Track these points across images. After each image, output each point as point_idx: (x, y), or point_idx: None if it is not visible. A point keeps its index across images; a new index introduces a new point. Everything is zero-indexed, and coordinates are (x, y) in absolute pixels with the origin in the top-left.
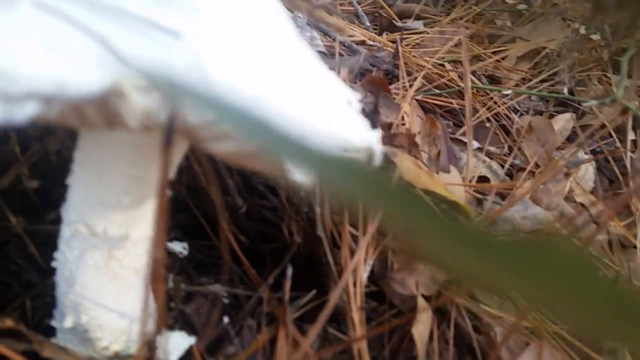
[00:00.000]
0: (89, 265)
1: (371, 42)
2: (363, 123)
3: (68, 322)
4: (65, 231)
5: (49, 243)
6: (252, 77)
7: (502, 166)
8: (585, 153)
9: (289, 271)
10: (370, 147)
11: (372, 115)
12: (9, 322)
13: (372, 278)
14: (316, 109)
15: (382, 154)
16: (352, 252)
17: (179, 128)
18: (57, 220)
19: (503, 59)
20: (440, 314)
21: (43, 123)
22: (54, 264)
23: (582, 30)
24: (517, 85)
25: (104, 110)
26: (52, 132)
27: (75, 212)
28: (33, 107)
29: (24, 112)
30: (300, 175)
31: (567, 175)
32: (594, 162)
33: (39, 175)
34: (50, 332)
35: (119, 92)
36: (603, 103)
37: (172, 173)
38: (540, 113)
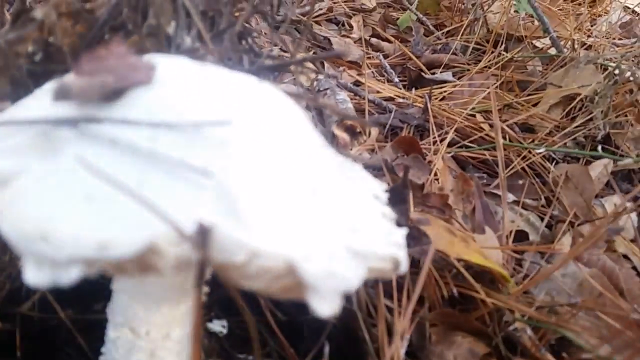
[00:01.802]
0: None
1: (400, 99)
2: (389, 225)
3: None
4: (112, 333)
5: (97, 332)
6: (281, 205)
7: (541, 218)
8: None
9: (326, 349)
10: (396, 257)
11: (403, 180)
12: None
13: (410, 348)
14: (343, 220)
15: (407, 255)
16: (389, 326)
17: (211, 269)
18: (104, 310)
19: (535, 105)
20: None
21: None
22: (101, 358)
23: (616, 73)
24: (550, 132)
25: (141, 264)
26: None
27: (120, 316)
28: (77, 270)
29: (68, 276)
30: (325, 307)
31: (607, 242)
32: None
33: None
34: None
35: (155, 250)
36: None
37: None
38: (577, 159)
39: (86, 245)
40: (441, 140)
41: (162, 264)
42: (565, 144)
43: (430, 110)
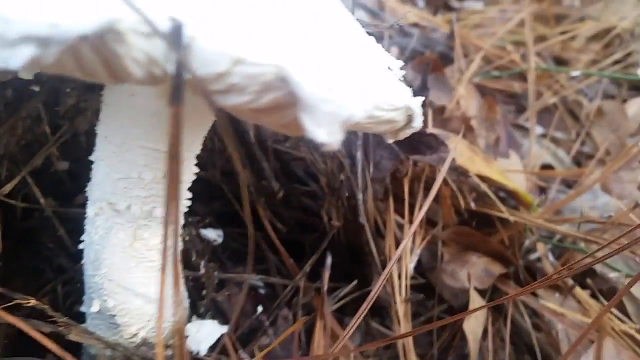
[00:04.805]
0: (114, 246)
1: (425, 23)
2: (403, 88)
3: (95, 307)
4: (90, 211)
5: (79, 226)
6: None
7: (569, 154)
8: None
9: (328, 260)
10: (409, 107)
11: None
12: (32, 301)
13: (420, 269)
14: (343, 65)
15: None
16: (398, 242)
17: (188, 80)
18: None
19: (571, 39)
20: (496, 309)
21: (45, 71)
22: (80, 246)
23: None
24: (586, 67)
25: (102, 52)
26: (81, 112)
27: (98, 190)
28: (28, 50)
29: (19, 57)
30: (322, 134)
31: None
32: None
33: (69, 157)
34: (81, 318)
35: (116, 33)
36: None
37: (198, 147)
38: (612, 97)
39: (39, 21)
40: (467, 68)
41: (127, 54)
42: (600, 80)
43: (456, 35)
